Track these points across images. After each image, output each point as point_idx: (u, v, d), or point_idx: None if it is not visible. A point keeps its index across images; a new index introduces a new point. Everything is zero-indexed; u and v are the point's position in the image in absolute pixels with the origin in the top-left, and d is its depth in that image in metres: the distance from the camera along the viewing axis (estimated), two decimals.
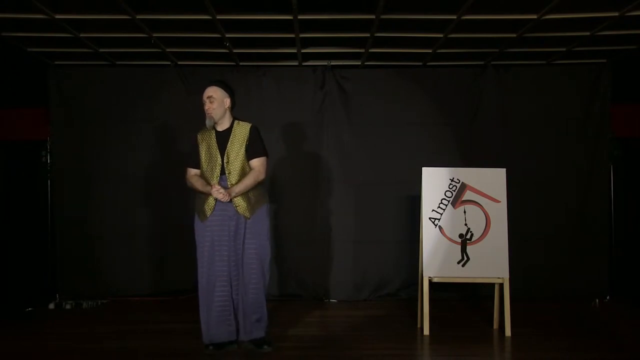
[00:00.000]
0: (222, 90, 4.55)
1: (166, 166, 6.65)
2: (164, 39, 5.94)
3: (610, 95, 6.67)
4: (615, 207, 6.77)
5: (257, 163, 4.54)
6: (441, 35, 5.78)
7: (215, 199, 4.43)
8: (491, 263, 5.17)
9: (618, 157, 6.74)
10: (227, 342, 4.52)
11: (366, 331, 5.25)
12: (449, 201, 5.30)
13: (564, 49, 6.22)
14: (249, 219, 4.49)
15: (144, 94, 6.70)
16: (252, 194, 4.51)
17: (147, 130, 6.68)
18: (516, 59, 6.61)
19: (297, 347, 4.71)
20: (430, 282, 5.16)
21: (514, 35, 5.75)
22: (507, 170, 5.34)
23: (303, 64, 6.75)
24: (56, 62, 6.66)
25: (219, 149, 4.51)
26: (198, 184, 4.53)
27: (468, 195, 5.31)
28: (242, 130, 4.54)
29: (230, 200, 4.42)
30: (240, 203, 4.46)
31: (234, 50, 6.25)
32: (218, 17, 5.27)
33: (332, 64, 6.70)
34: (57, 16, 5.22)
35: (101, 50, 6.22)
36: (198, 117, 6.40)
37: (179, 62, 6.70)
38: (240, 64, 6.73)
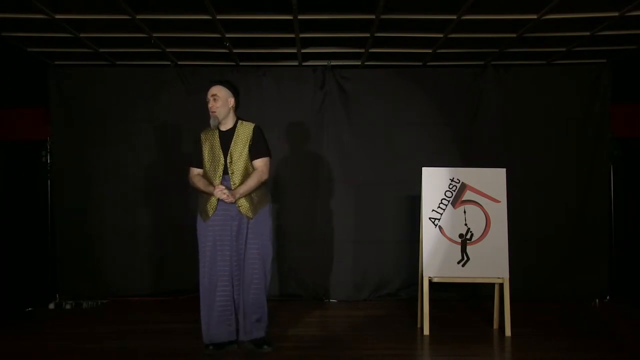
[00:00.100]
0: (227, 90, 4.55)
1: (166, 166, 6.65)
2: (164, 39, 5.94)
3: (610, 95, 6.67)
4: (615, 207, 6.77)
5: (261, 163, 4.54)
6: (441, 35, 5.78)
7: (218, 199, 4.43)
8: (491, 263, 5.17)
9: (618, 157, 6.74)
10: (227, 342, 4.52)
11: (366, 331, 5.25)
12: (449, 201, 5.30)
13: (564, 49, 6.22)
14: (251, 219, 4.49)
15: (144, 94, 6.70)
16: (254, 194, 4.51)
17: (147, 130, 6.68)
18: (516, 59, 6.61)
19: (297, 347, 4.71)
20: (430, 282, 5.16)
21: (514, 35, 5.75)
22: (507, 170, 5.34)
23: (303, 64, 6.75)
24: (56, 62, 6.66)
25: (222, 148, 4.51)
26: (200, 184, 4.54)
27: (468, 195, 5.31)
28: (245, 130, 4.54)
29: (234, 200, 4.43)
30: (242, 203, 4.46)
31: (234, 50, 6.25)
32: (218, 17, 5.27)
33: (332, 64, 6.70)
34: (57, 16, 5.22)
35: (101, 50, 6.22)
36: (198, 117, 6.42)
37: (179, 62, 6.70)
38: (240, 64, 6.73)
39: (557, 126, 6.69)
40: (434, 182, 5.33)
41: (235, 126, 4.56)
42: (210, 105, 4.52)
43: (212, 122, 4.52)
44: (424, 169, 5.38)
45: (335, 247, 6.64)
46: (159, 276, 6.69)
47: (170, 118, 6.68)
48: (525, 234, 6.45)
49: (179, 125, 6.65)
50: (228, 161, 4.48)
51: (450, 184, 5.32)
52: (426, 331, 5.04)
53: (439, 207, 5.30)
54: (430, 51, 6.28)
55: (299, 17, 5.27)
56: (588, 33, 5.69)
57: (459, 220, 5.27)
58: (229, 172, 4.47)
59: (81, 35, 5.73)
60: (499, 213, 5.25)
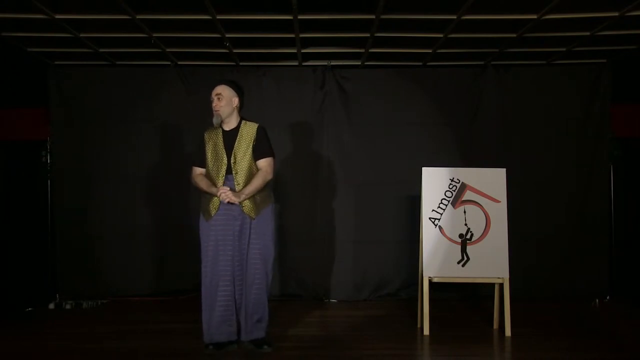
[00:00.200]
0: (231, 89, 4.56)
1: (166, 166, 6.65)
2: (164, 39, 5.94)
3: (610, 95, 6.67)
4: (615, 207, 6.77)
5: (265, 163, 4.54)
6: (441, 35, 5.78)
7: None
8: (491, 263, 5.17)
9: (618, 157, 6.74)
10: (227, 342, 4.52)
11: (366, 331, 5.25)
12: (449, 201, 5.30)
13: (564, 49, 6.22)
14: (254, 219, 4.49)
15: (144, 94, 6.70)
16: (258, 194, 4.51)
17: (147, 130, 6.68)
18: (516, 59, 6.61)
19: (297, 347, 4.71)
20: (430, 282, 5.16)
21: (514, 35, 5.75)
22: (507, 170, 5.34)
23: (303, 64, 6.75)
24: (56, 62, 6.66)
25: (225, 148, 4.50)
26: (203, 184, 4.54)
27: (468, 195, 5.31)
28: (249, 130, 4.54)
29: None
30: (246, 203, 4.46)
31: (234, 50, 6.25)
32: (218, 17, 5.27)
33: (332, 64, 6.70)
34: (57, 16, 5.22)
35: (101, 50, 6.22)
36: (198, 117, 6.46)
37: (179, 62, 6.70)
38: (240, 64, 6.73)
39: (557, 126, 6.69)
40: (434, 182, 5.33)
41: (239, 126, 4.56)
42: (214, 104, 4.52)
43: (214, 120, 4.52)
44: (424, 169, 5.38)
45: (335, 247, 6.64)
46: (159, 276, 6.69)
47: (170, 118, 6.69)
48: (525, 234, 6.44)
49: (179, 125, 6.65)
50: (232, 161, 4.48)
51: (450, 184, 5.32)
52: (426, 331, 5.04)
53: (439, 207, 5.30)
54: (430, 51, 6.28)
55: (299, 17, 5.27)
56: (588, 33, 5.69)
57: (459, 220, 5.27)
58: (233, 172, 4.47)
59: (81, 35, 5.73)
60: (499, 213, 5.25)
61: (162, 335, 5.04)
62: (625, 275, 6.79)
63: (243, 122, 4.58)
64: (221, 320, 4.48)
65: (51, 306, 6.25)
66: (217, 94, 4.53)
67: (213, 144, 4.55)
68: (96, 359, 4.46)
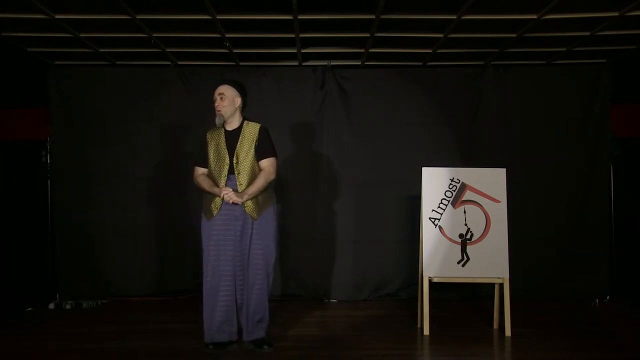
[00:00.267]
0: (234, 89, 4.56)
1: (166, 166, 6.65)
2: (164, 39, 5.94)
3: (610, 95, 6.67)
4: (615, 207, 6.77)
5: (267, 163, 4.54)
6: (441, 35, 5.78)
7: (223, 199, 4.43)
8: (491, 263, 5.17)
9: (618, 157, 6.74)
10: (227, 342, 4.52)
11: (366, 331, 5.25)
12: (449, 201, 5.30)
13: (564, 49, 6.22)
14: (256, 219, 4.49)
15: (144, 94, 6.70)
16: (260, 194, 4.51)
17: (147, 130, 6.68)
18: (516, 59, 6.61)
19: (297, 347, 4.71)
20: (430, 282, 5.16)
21: (514, 35, 5.75)
22: (507, 170, 5.34)
23: (303, 64, 6.75)
24: (56, 62, 6.66)
25: (227, 148, 4.50)
26: (205, 184, 4.54)
27: (468, 195, 5.31)
28: (251, 131, 4.54)
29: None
30: (248, 203, 4.45)
31: (234, 50, 6.25)
32: (218, 17, 5.27)
33: (332, 64, 6.70)
34: (57, 16, 5.22)
35: (101, 50, 6.22)
36: (198, 117, 6.47)
37: (179, 62, 6.69)
38: (240, 64, 6.73)
39: (557, 126, 6.69)
40: (434, 182, 5.33)
41: (241, 126, 4.56)
42: (216, 104, 4.52)
43: (217, 120, 4.52)
44: (424, 169, 5.38)
45: (335, 247, 6.64)
46: (159, 276, 6.68)
47: (170, 118, 6.68)
48: (525, 234, 6.44)
49: (179, 125, 6.65)
50: (234, 161, 4.48)
51: (450, 184, 5.32)
52: (426, 331, 5.04)
53: (439, 207, 5.30)
54: (430, 51, 6.28)
55: (299, 17, 5.27)
56: (588, 33, 5.69)
57: (459, 220, 5.27)
58: (235, 172, 4.47)
59: (81, 35, 5.73)
60: (499, 213, 5.25)
61: (162, 335, 5.04)
62: (625, 275, 6.79)
63: (245, 122, 4.58)
64: (222, 321, 4.48)
65: (51, 306, 6.25)
66: (219, 94, 4.53)
67: (215, 144, 4.55)
68: (96, 359, 4.46)
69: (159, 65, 6.71)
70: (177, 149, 6.65)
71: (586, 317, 5.85)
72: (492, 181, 5.31)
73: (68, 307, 6.24)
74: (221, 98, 4.51)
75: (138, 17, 5.25)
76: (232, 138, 4.53)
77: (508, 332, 5.02)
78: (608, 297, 6.58)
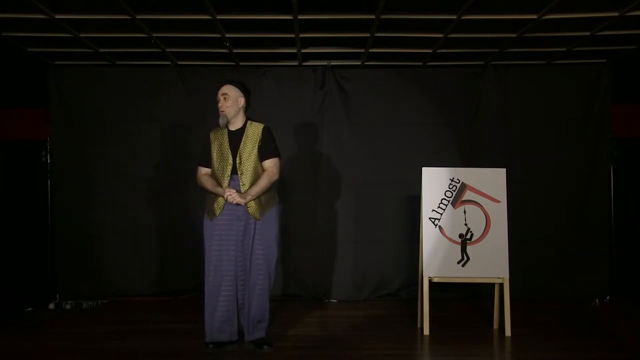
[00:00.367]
0: (237, 90, 4.56)
1: (166, 166, 6.65)
2: (164, 39, 5.94)
3: (610, 95, 6.67)
4: (615, 207, 6.77)
5: (270, 164, 4.54)
6: (441, 35, 5.78)
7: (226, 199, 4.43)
8: (491, 263, 5.17)
9: (618, 157, 6.74)
10: (227, 342, 4.52)
11: (366, 331, 5.25)
12: (449, 201, 5.30)
13: (564, 49, 6.22)
14: (258, 220, 4.49)
15: (144, 94, 6.70)
16: (263, 195, 4.51)
17: (147, 130, 6.67)
18: (516, 59, 6.61)
19: (297, 347, 4.71)
20: (430, 282, 5.16)
21: (514, 35, 5.75)
22: (507, 170, 5.35)
23: (303, 64, 6.75)
24: (56, 62, 6.66)
25: (230, 148, 4.50)
26: (208, 184, 4.54)
27: (468, 195, 5.31)
28: (255, 131, 4.54)
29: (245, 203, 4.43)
30: (251, 204, 4.45)
31: (234, 50, 6.25)
32: (218, 17, 5.27)
33: (332, 64, 6.70)
34: (57, 16, 5.22)
35: (101, 50, 6.22)
36: (198, 117, 6.47)
37: (179, 62, 6.69)
38: (240, 64, 6.73)
39: (557, 126, 6.69)
40: (434, 182, 5.33)
41: (244, 126, 4.56)
42: (220, 105, 4.52)
43: (220, 120, 4.52)
44: (424, 169, 5.38)
45: (335, 247, 6.64)
46: (159, 276, 6.68)
47: (170, 118, 6.69)
48: (525, 234, 6.44)
49: (179, 125, 6.65)
50: (237, 161, 4.48)
51: (450, 184, 5.32)
52: (426, 331, 5.04)
53: (439, 207, 5.30)
54: (430, 51, 6.28)
55: (299, 17, 5.27)
56: (588, 33, 5.69)
57: (459, 220, 5.27)
58: (238, 172, 4.47)
59: (81, 35, 5.73)
60: (499, 213, 5.25)
61: (162, 335, 5.04)
62: (625, 275, 6.79)
63: (249, 122, 4.58)
64: (223, 321, 4.48)
65: (51, 306, 6.25)
66: (223, 94, 4.53)
67: (219, 144, 4.55)
68: (96, 359, 4.46)
69: (159, 65, 6.71)
70: (177, 149, 6.65)
71: (586, 317, 5.85)
72: (492, 181, 5.31)
73: (68, 307, 6.24)
74: (225, 98, 4.51)
75: (138, 17, 5.25)
76: (236, 138, 4.53)
77: (508, 332, 5.02)
78: (608, 297, 6.58)
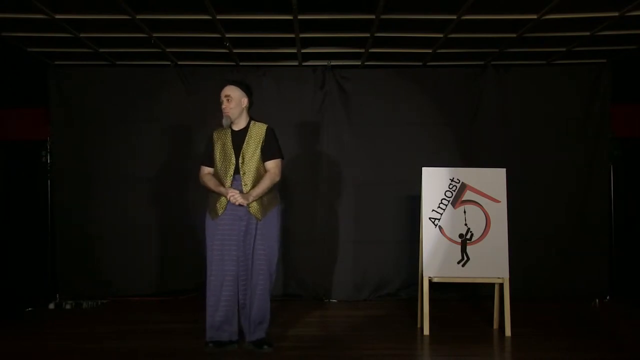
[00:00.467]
0: (240, 90, 4.55)
1: (166, 166, 6.65)
2: (164, 39, 5.94)
3: (610, 95, 6.67)
4: (615, 207, 6.77)
5: (273, 165, 4.54)
6: (441, 35, 5.78)
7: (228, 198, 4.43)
8: (491, 263, 5.17)
9: (618, 157, 6.74)
10: (227, 342, 4.52)
11: (366, 331, 5.25)
12: (449, 201, 5.30)
13: (564, 49, 6.22)
14: (260, 220, 4.49)
15: (144, 94, 6.70)
16: (265, 195, 4.51)
17: (147, 130, 6.67)
18: (516, 59, 6.61)
19: (297, 347, 4.71)
20: (430, 282, 5.16)
21: (514, 35, 5.75)
22: (507, 170, 5.34)
23: (303, 64, 6.75)
24: (56, 62, 6.66)
25: (234, 148, 4.50)
26: (211, 184, 4.54)
27: (468, 195, 5.31)
28: (258, 131, 4.54)
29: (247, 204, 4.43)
30: (253, 204, 4.45)
31: (234, 50, 6.25)
32: (218, 17, 5.27)
33: (332, 64, 6.70)
34: (57, 16, 5.22)
35: (101, 50, 6.22)
36: (198, 117, 6.47)
37: (179, 62, 6.69)
38: (240, 64, 6.73)
39: (557, 126, 6.69)
40: (434, 182, 5.33)
41: (248, 126, 4.56)
42: (223, 106, 4.52)
43: (224, 122, 4.52)
44: (424, 169, 5.38)
45: (335, 247, 6.64)
46: (159, 276, 6.68)
47: (170, 118, 6.69)
48: (525, 234, 6.44)
49: (179, 125, 6.65)
50: (240, 161, 4.48)
51: (450, 184, 5.32)
52: (426, 331, 5.04)
53: (439, 207, 5.30)
54: (430, 51, 6.28)
55: (299, 17, 5.27)
56: (588, 33, 5.69)
57: (459, 220, 5.27)
58: (241, 172, 4.47)
59: (81, 35, 5.73)
60: (499, 213, 5.25)
61: (162, 335, 5.04)
62: (625, 275, 6.79)
63: (252, 122, 4.58)
64: (223, 320, 4.48)
65: (51, 306, 6.25)
66: (226, 95, 4.52)
67: (222, 144, 4.55)
68: (96, 359, 4.46)
69: (159, 65, 6.71)
70: (177, 149, 6.65)
71: (586, 317, 5.85)
72: (492, 181, 5.31)
73: (68, 307, 6.24)
74: (228, 100, 4.51)
75: (138, 17, 5.25)
76: (239, 138, 4.53)
77: (508, 332, 5.02)
78: (608, 297, 6.58)
